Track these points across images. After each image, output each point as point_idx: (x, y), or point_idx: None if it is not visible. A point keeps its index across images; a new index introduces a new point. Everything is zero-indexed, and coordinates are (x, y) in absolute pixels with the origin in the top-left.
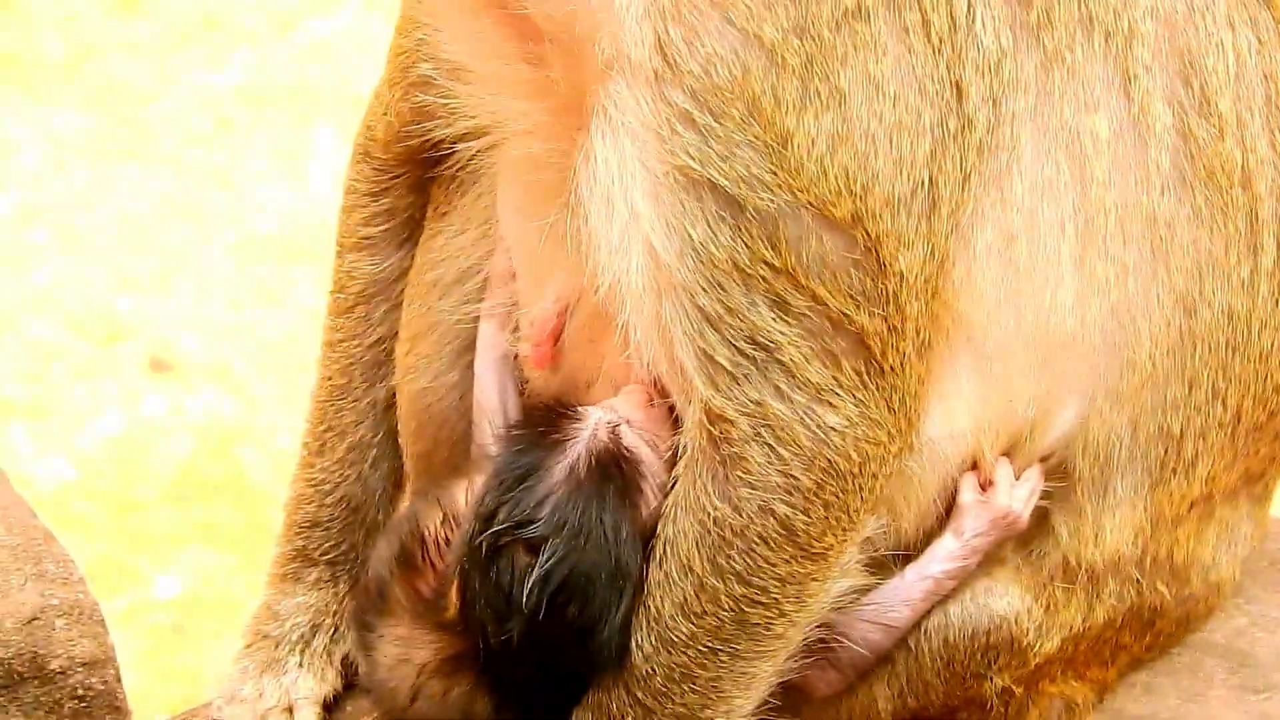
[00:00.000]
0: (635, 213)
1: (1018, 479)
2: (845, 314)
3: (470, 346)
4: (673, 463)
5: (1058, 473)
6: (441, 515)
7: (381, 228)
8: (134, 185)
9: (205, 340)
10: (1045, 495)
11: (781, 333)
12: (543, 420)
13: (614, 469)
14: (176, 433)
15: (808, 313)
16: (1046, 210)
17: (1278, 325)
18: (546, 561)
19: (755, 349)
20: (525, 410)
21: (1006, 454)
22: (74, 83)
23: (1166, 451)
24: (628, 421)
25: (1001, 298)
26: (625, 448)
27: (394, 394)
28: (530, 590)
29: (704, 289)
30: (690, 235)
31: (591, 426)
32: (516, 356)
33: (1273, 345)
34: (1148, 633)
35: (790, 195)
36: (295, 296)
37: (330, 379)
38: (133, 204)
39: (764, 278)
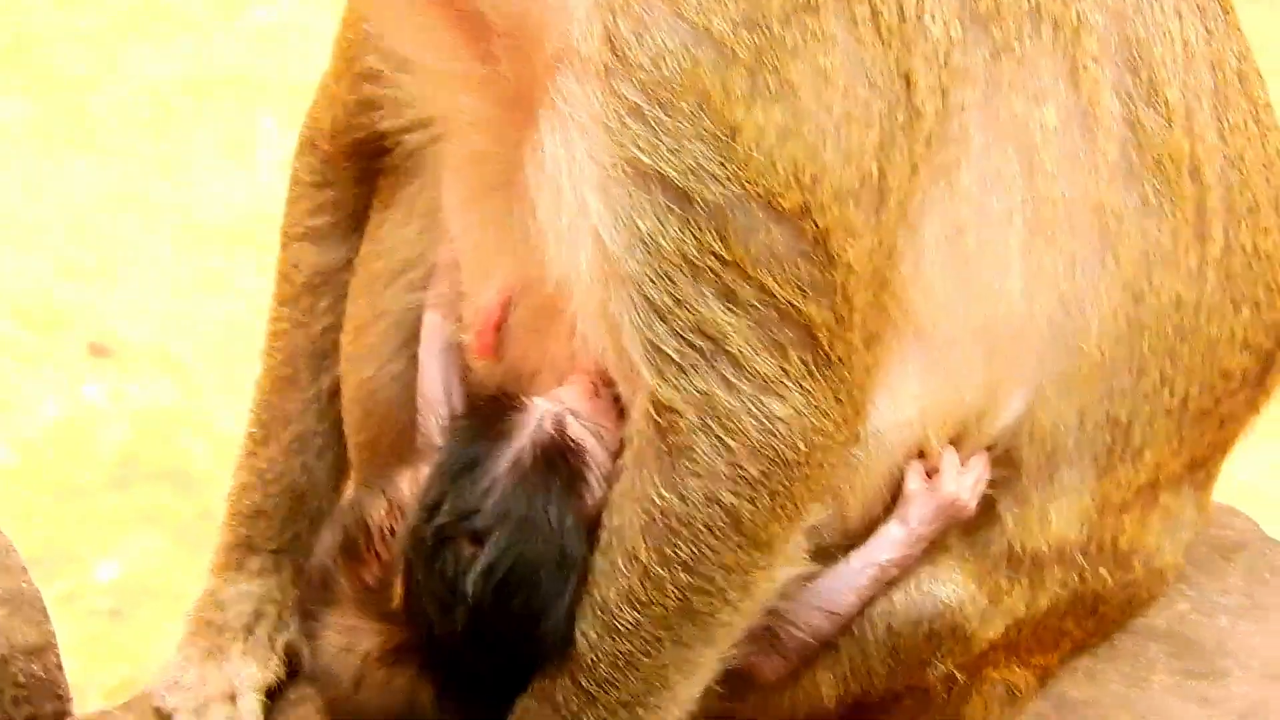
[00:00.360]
0: (583, 205)
1: (964, 467)
2: (793, 305)
3: (415, 336)
4: (618, 453)
5: (1004, 461)
6: (386, 505)
7: (327, 218)
8: (77, 173)
9: (147, 327)
10: (992, 483)
11: (729, 324)
12: (487, 411)
13: (559, 460)
14: (117, 419)
15: (756, 304)
16: (995, 201)
17: (1225, 314)
18: (491, 553)
19: (703, 340)
20: (470, 401)
21: (953, 443)
22: (17, 71)
23: (1114, 440)
24: (573, 412)
25: (949, 288)
26: (570, 439)
27: (339, 384)
28: (475, 581)
29: (652, 280)
30: (639, 227)
31: (537, 418)
32: (461, 346)
33: (1219, 334)
34: (1091, 619)
35: (739, 187)
36: (238, 284)
37: (275, 369)
38: (76, 192)
39: (712, 269)
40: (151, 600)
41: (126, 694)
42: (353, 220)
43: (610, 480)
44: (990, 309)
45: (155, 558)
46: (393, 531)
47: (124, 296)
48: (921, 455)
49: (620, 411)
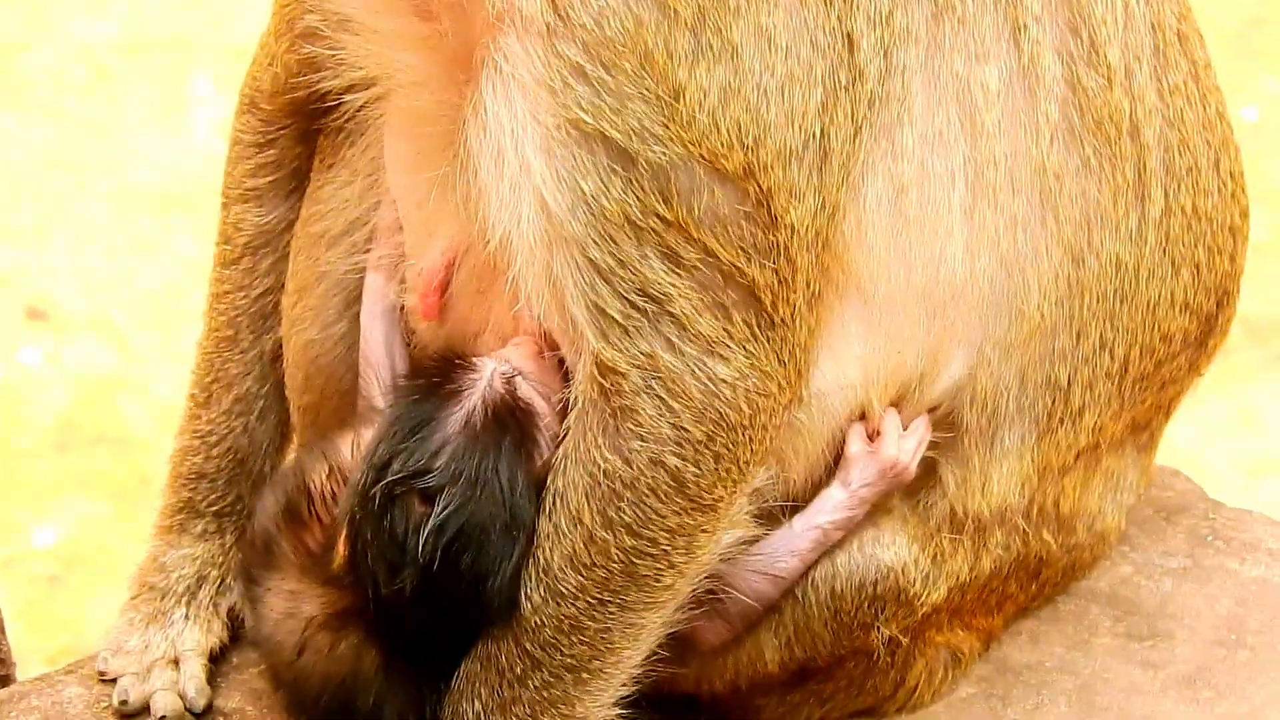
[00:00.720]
0: (526, 166)
1: (906, 430)
2: (736, 266)
3: (358, 298)
4: (564, 415)
5: (946, 423)
6: (327, 469)
7: (268, 179)
8: (10, 135)
9: (83, 290)
10: (933, 446)
11: (673, 285)
12: (436, 370)
13: (510, 420)
14: (54, 383)
15: (699, 265)
16: (936, 162)
17: (1164, 275)
18: (442, 511)
19: (646, 301)
20: (415, 361)
21: (895, 405)
22: None
23: (1054, 402)
24: (520, 372)
25: (891, 249)
26: (521, 399)
27: (281, 346)
28: (425, 540)
29: (595, 242)
30: (582, 188)
31: (487, 377)
32: (403, 308)
33: (1159, 295)
34: (1034, 582)
35: (682, 148)
36: (174, 247)
37: (216, 330)
38: (9, 154)
39: (655, 230)
40: (90, 566)
41: (67, 660)
42: (294, 180)
43: (557, 442)
44: (932, 270)
45: (94, 523)
46: (334, 496)
47: (59, 258)
48: (863, 418)
49: (565, 373)
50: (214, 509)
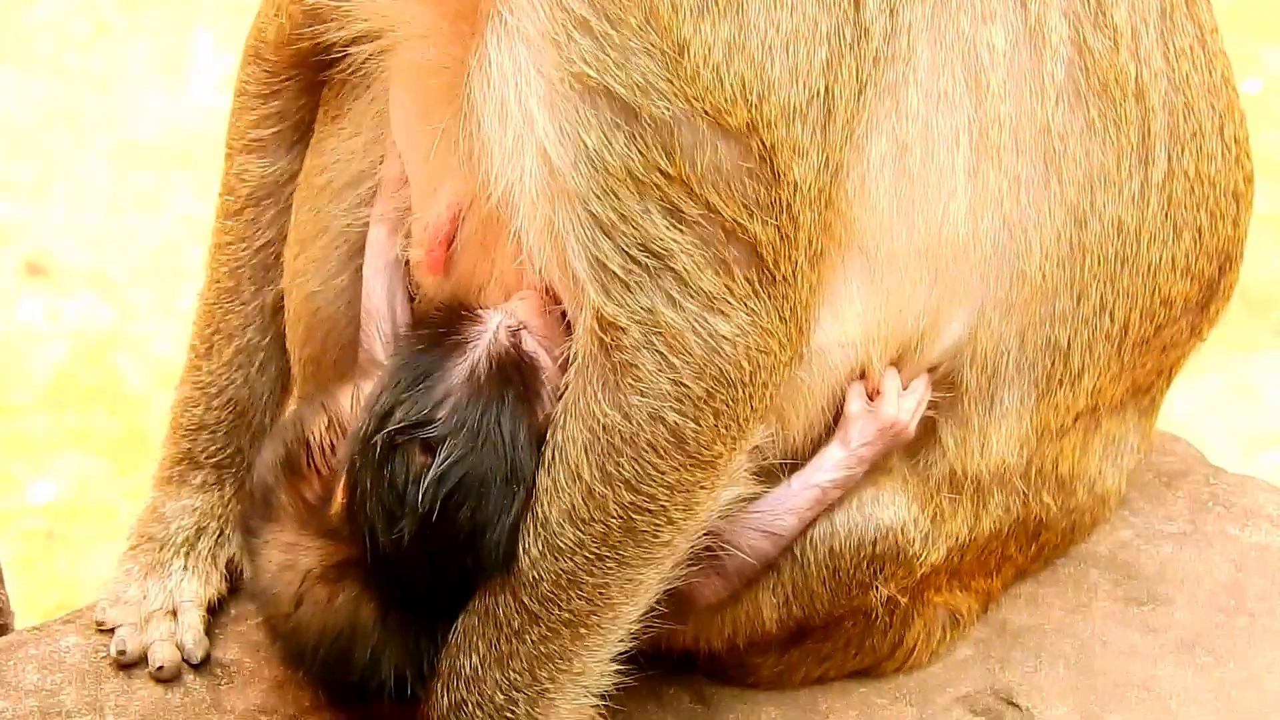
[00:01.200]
0: (529, 119)
1: (905, 389)
2: (739, 223)
3: (360, 251)
4: (566, 369)
5: (945, 383)
6: (327, 421)
7: (272, 130)
8: (11, 90)
9: (82, 246)
10: (933, 406)
11: (674, 240)
12: (441, 321)
13: (513, 373)
14: (52, 339)
15: (701, 221)
16: (941, 121)
17: (1166, 239)
18: (443, 462)
19: (648, 256)
20: (419, 313)
21: (895, 364)
22: None
23: (1054, 364)
24: (525, 326)
25: (894, 208)
26: (525, 352)
27: (282, 298)
28: (425, 491)
29: (597, 196)
30: (584, 142)
31: (493, 329)
32: (407, 262)
33: (1161, 259)
34: (1033, 544)
35: (685, 103)
36: (173, 203)
37: (218, 282)
38: (9, 109)
39: (658, 185)
40: (86, 522)
41: (61, 614)
42: (298, 132)
43: (558, 397)
44: (935, 229)
45: (90, 479)
46: (334, 448)
47: (58, 214)
48: (863, 377)
49: (568, 328)
50: (213, 460)
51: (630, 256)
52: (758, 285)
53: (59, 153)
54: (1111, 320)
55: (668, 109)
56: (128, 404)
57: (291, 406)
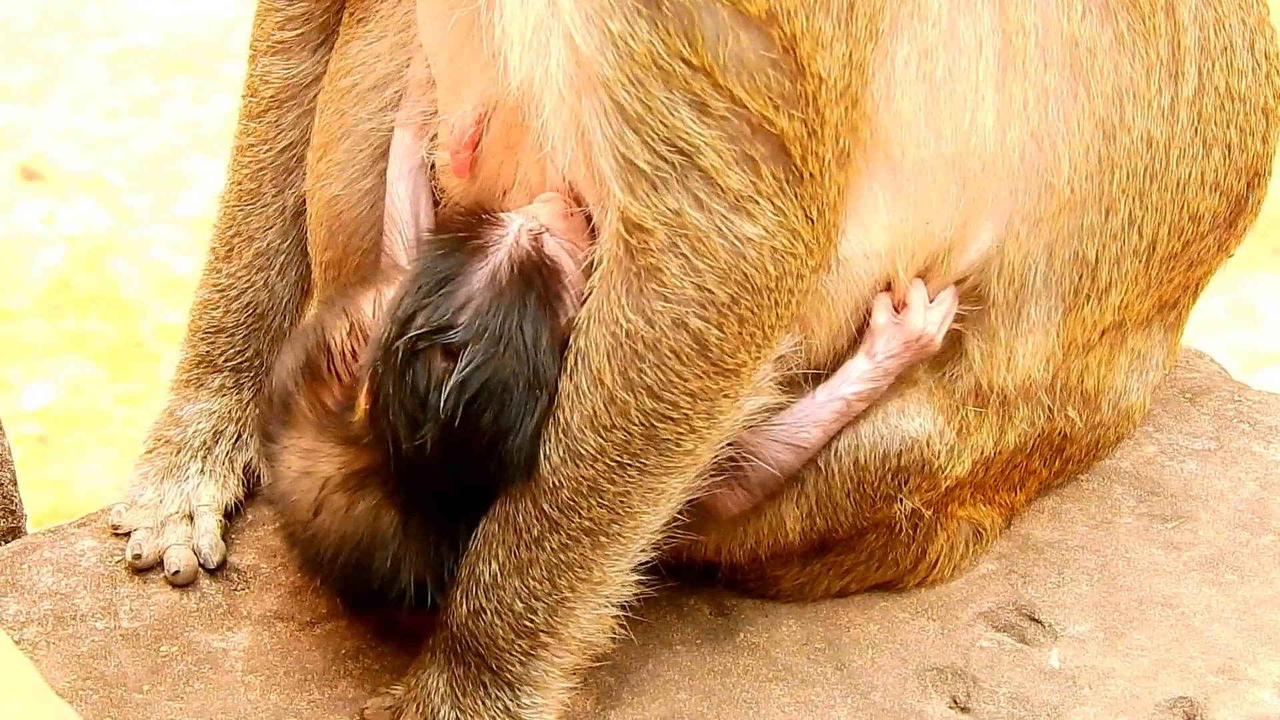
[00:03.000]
0: (554, 6)
1: (932, 302)
2: (765, 116)
3: (384, 155)
4: (590, 274)
5: (972, 296)
6: (348, 326)
7: (296, 32)
8: None
9: (80, 151)
10: (959, 319)
11: (701, 136)
12: (463, 226)
13: (536, 277)
14: (48, 243)
15: (727, 115)
16: (964, 26)
17: (1195, 154)
18: (465, 367)
19: (674, 153)
20: (442, 217)
21: (922, 276)
22: None
23: (1081, 278)
24: (548, 229)
25: (920, 115)
26: (547, 256)
27: (304, 201)
28: (447, 396)
29: (624, 85)
30: (609, 28)
31: (514, 233)
32: (433, 166)
33: (1190, 174)
34: (1057, 459)
35: None
36: (171, 109)
37: (239, 184)
38: (8, 13)
39: (682, 76)
40: (81, 427)
41: (56, 520)
42: (322, 34)
43: (582, 301)
44: (962, 139)
45: (84, 383)
46: (354, 354)
47: (57, 120)
48: (889, 288)
49: (592, 231)
50: (231, 364)
51: (657, 153)
52: (785, 183)
53: (58, 57)
54: (1140, 235)
55: None
56: (123, 310)
57: (311, 311)
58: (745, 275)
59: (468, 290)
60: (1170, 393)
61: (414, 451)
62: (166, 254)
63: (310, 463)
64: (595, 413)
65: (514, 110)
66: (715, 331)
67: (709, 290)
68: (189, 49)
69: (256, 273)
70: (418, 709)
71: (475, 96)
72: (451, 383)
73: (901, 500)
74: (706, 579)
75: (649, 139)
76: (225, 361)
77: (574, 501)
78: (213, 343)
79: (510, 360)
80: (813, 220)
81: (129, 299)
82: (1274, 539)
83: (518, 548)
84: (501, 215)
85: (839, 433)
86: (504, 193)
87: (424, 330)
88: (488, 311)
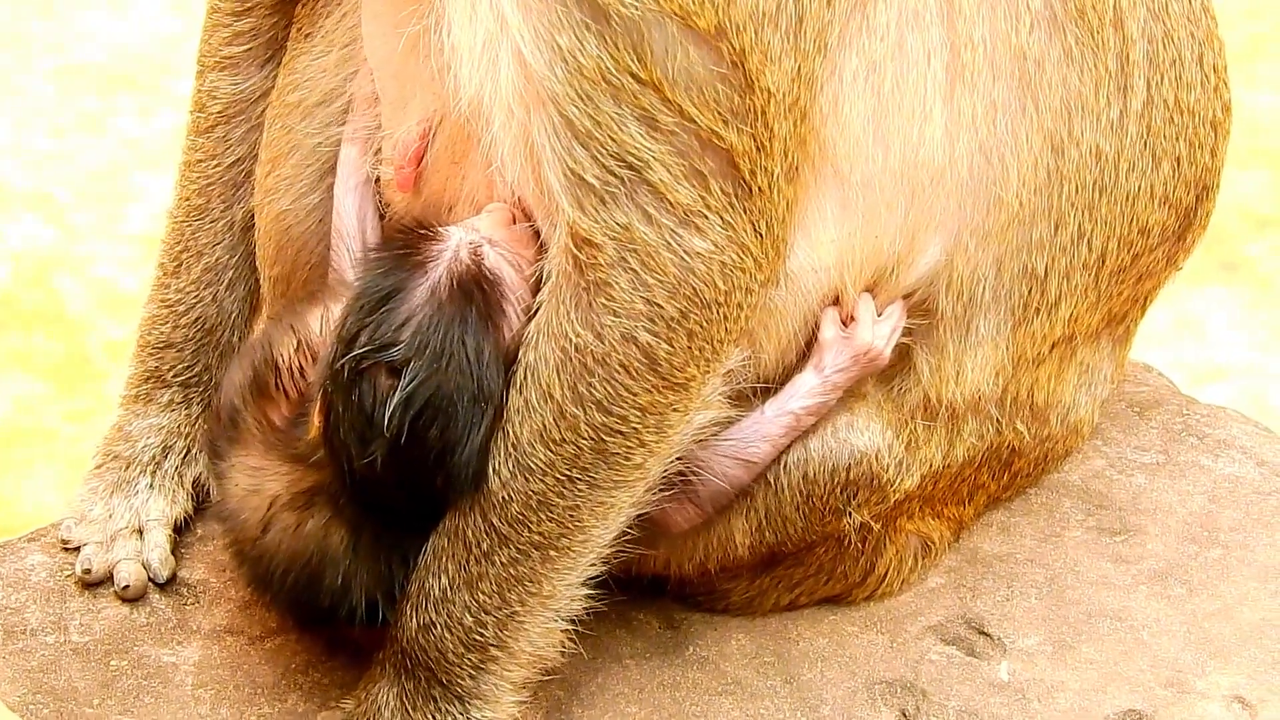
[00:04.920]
0: (503, 22)
1: (880, 315)
2: (714, 131)
3: (331, 169)
4: (537, 286)
5: (921, 310)
6: (296, 343)
7: (243, 47)
8: None
9: (25, 168)
10: (908, 332)
11: (650, 151)
12: (403, 242)
13: (475, 290)
14: None
15: (677, 130)
16: (912, 40)
17: (1145, 168)
18: (409, 384)
19: (623, 168)
20: (385, 233)
21: (870, 290)
22: None
23: (1030, 291)
24: (490, 241)
25: (869, 129)
26: (487, 269)
27: (252, 216)
28: (392, 413)
29: (573, 100)
30: (558, 44)
31: (453, 247)
32: (378, 181)
33: (1139, 188)
34: (1006, 472)
35: (655, 4)
36: (117, 125)
37: (188, 199)
38: None
39: (631, 91)
40: (27, 444)
41: (2, 536)
42: (269, 50)
43: (529, 313)
44: (910, 152)
45: (31, 401)
46: (302, 371)
47: (2, 136)
48: (837, 302)
49: (539, 242)
50: (180, 379)
51: (606, 167)
52: (734, 198)
53: (2, 73)
54: (1089, 248)
55: (637, 9)
56: (69, 326)
57: (260, 326)
58: (694, 290)
59: (408, 307)
60: (1119, 406)
61: (366, 469)
62: (113, 270)
63: (258, 481)
64: (545, 427)
65: (459, 125)
66: (665, 346)
67: (658, 305)
68: (134, 65)
69: (205, 288)
70: None
71: (420, 111)
72: (396, 399)
73: (850, 514)
74: (656, 593)
75: (598, 154)
76: (174, 377)
77: (523, 516)
78: (161, 358)
79: (454, 375)
80: (761, 235)
81: (75, 315)
82: (1222, 552)
83: (467, 562)
84: (441, 230)
85: (788, 447)
86: (450, 208)
87: (367, 349)
88: (428, 328)
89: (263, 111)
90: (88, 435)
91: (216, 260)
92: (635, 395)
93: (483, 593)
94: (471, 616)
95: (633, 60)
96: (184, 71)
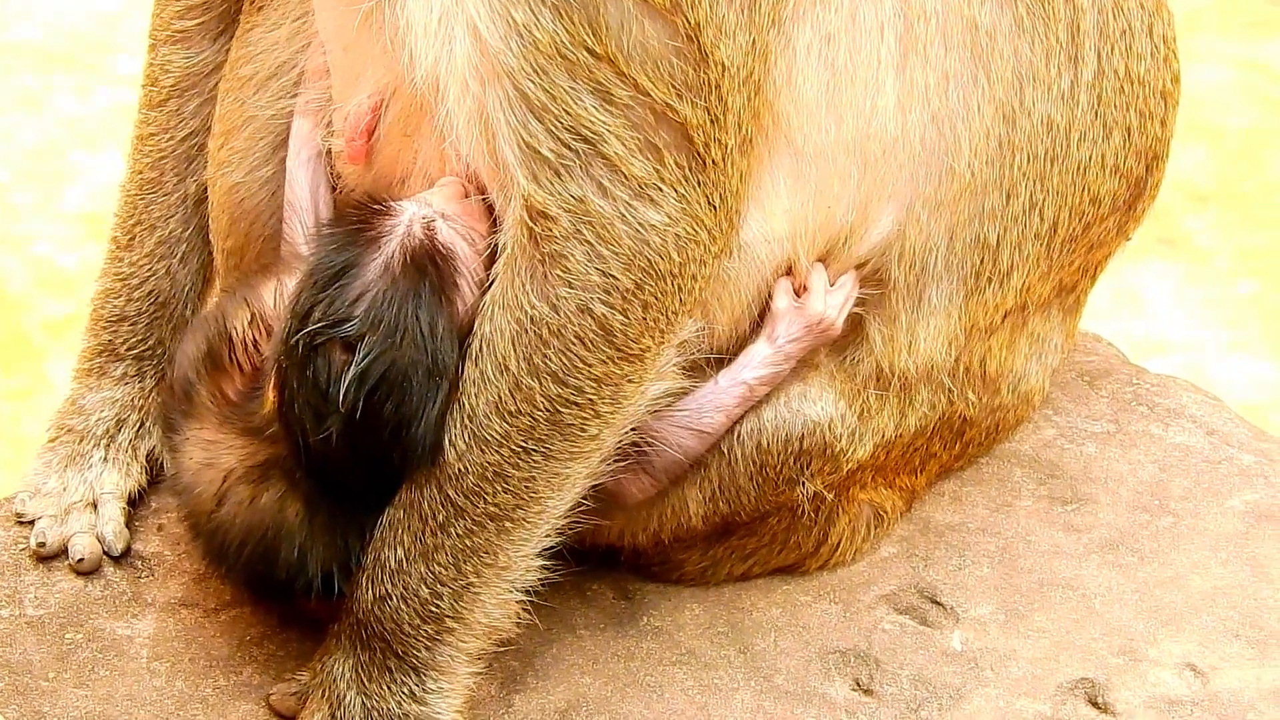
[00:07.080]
0: None
1: (833, 286)
2: (669, 104)
3: (284, 142)
4: (491, 259)
5: (873, 280)
6: (250, 316)
7: (196, 21)
8: None
9: None
10: (860, 302)
11: (605, 124)
12: (356, 217)
13: (429, 265)
14: None
15: (631, 104)
16: (866, 12)
17: (1095, 138)
18: (363, 359)
19: (578, 141)
20: (338, 208)
21: (823, 260)
22: None
23: (982, 261)
24: (443, 215)
25: (822, 100)
26: (440, 243)
27: (205, 189)
28: (347, 388)
29: (528, 74)
30: (513, 18)
31: (405, 222)
32: (330, 153)
33: (1090, 157)
34: (958, 442)
35: None
36: (55, 104)
37: (140, 173)
38: None
39: (587, 65)
40: None
41: None
42: (222, 23)
43: (483, 286)
44: (863, 124)
45: None
46: (256, 344)
47: None
48: (790, 273)
49: (492, 215)
50: (134, 352)
51: (561, 141)
52: (688, 170)
53: None
54: (1041, 218)
55: None
56: (8, 305)
57: (214, 299)
58: (649, 261)
59: (362, 282)
60: (1069, 376)
61: (321, 444)
62: (51, 249)
63: (212, 454)
64: (500, 399)
65: (411, 98)
66: (619, 317)
67: (613, 276)
68: (71, 44)
69: (158, 261)
70: (323, 694)
71: (371, 84)
72: (350, 375)
73: (803, 484)
74: (610, 564)
75: (553, 127)
76: (128, 350)
77: (479, 487)
78: (115, 331)
79: (408, 349)
80: (715, 207)
81: (14, 294)
82: (1173, 520)
83: (423, 533)
84: (394, 204)
85: (741, 417)
86: (402, 180)
87: (321, 324)
88: (382, 303)
89: (215, 85)
90: (27, 413)
91: (170, 233)
92: (590, 366)
93: (438, 564)
94: (427, 588)
95: (588, 34)
96: (122, 49)
